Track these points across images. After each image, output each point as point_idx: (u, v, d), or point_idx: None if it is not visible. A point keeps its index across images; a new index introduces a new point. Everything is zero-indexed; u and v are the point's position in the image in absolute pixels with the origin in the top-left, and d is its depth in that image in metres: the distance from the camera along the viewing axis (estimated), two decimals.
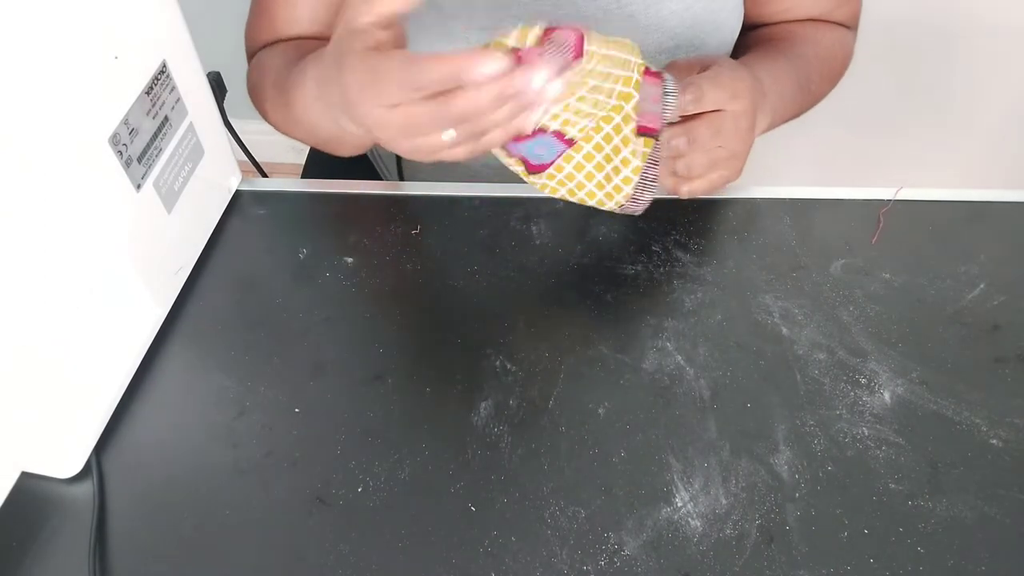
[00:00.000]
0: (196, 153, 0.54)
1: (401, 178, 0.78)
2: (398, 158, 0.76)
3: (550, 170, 0.53)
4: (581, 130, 0.50)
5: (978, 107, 1.36)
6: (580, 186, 0.53)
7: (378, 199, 0.62)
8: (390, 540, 0.42)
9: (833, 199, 0.62)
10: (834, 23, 0.69)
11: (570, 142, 0.51)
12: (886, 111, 1.38)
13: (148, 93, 0.46)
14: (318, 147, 0.61)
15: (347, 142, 0.58)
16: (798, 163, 1.47)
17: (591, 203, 0.55)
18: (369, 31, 0.42)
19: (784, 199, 0.62)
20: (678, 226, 0.60)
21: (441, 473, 0.45)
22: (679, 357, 0.51)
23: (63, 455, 0.44)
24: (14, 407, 0.41)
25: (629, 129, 0.51)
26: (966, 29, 1.25)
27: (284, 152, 1.52)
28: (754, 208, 0.62)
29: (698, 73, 0.53)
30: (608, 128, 0.51)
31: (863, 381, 0.50)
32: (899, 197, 0.62)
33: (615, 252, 0.58)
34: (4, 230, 0.37)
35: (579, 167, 0.52)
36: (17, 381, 0.40)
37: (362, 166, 0.84)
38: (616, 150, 0.51)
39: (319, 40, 0.63)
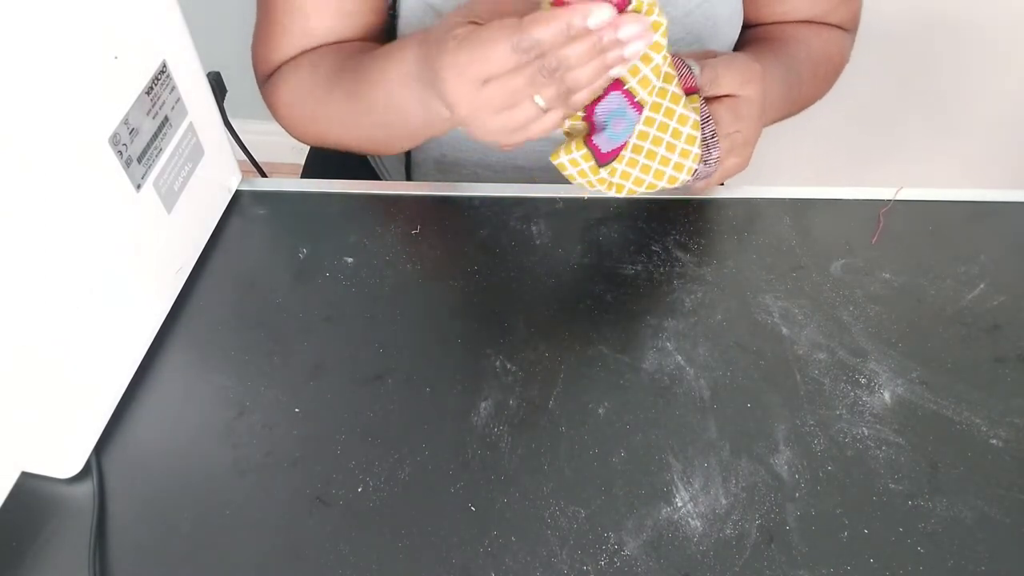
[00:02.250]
0: (196, 153, 0.54)
1: (409, 179, 0.78)
2: (407, 161, 0.76)
3: (622, 153, 0.50)
4: (649, 91, 0.48)
5: (978, 107, 1.36)
6: (646, 167, 0.51)
7: (378, 199, 0.62)
8: (390, 540, 0.43)
9: (833, 199, 0.62)
10: (830, 25, 0.69)
11: (639, 106, 0.49)
12: (886, 111, 1.38)
13: (148, 93, 0.46)
14: (378, 146, 0.61)
15: (423, 132, 0.57)
16: (798, 163, 1.47)
17: (662, 183, 0.52)
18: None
19: (784, 199, 0.62)
20: (678, 226, 0.60)
21: (441, 473, 0.45)
22: (679, 357, 0.51)
23: (63, 455, 0.44)
24: (14, 407, 0.41)
25: (675, 85, 0.49)
26: (966, 29, 1.25)
27: (284, 152, 1.52)
28: (754, 208, 0.62)
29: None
30: (658, 85, 0.48)
31: (863, 381, 0.50)
32: (899, 197, 0.62)
33: (615, 252, 0.58)
34: (4, 230, 0.37)
35: (643, 136, 0.49)
36: (17, 381, 0.40)
37: (362, 166, 0.84)
38: (670, 112, 0.49)
39: (354, 42, 0.63)
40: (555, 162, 0.52)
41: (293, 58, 0.63)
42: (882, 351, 0.52)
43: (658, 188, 0.52)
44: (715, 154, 0.52)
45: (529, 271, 0.56)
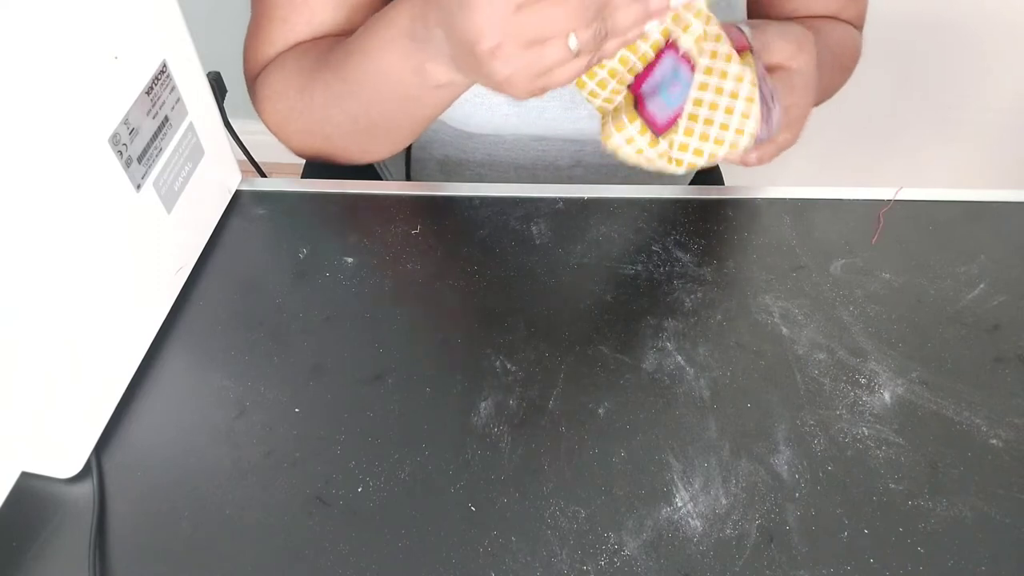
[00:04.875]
0: (196, 153, 0.54)
1: (408, 179, 0.78)
2: (407, 159, 0.76)
3: (679, 121, 0.47)
4: (699, 50, 0.45)
5: (978, 107, 1.36)
6: (705, 135, 0.47)
7: (378, 199, 0.62)
8: (390, 540, 0.43)
9: (833, 199, 0.62)
10: (842, 21, 0.69)
11: (688, 60, 0.45)
12: (886, 111, 1.38)
13: (148, 93, 0.46)
14: (359, 141, 0.58)
15: (411, 109, 0.54)
16: (798, 163, 1.47)
17: (723, 150, 0.47)
18: None
19: (784, 199, 0.62)
20: (678, 226, 0.60)
21: (441, 473, 0.45)
22: (679, 357, 0.51)
23: (63, 455, 0.44)
24: (14, 407, 0.41)
25: (724, 44, 0.46)
26: (966, 29, 1.25)
27: (284, 152, 1.52)
28: (754, 208, 0.62)
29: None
30: (709, 47, 0.46)
31: (863, 381, 0.50)
32: (899, 197, 0.62)
33: (615, 252, 0.58)
34: (3, 230, 0.37)
35: (698, 103, 0.46)
36: (17, 381, 0.40)
37: (362, 166, 0.84)
38: (723, 73, 0.46)
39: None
40: (609, 144, 0.48)
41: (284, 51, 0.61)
42: (882, 351, 0.52)
43: (719, 157, 0.48)
44: (776, 113, 0.48)
45: (529, 271, 0.56)
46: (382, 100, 0.54)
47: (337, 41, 0.57)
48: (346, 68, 0.54)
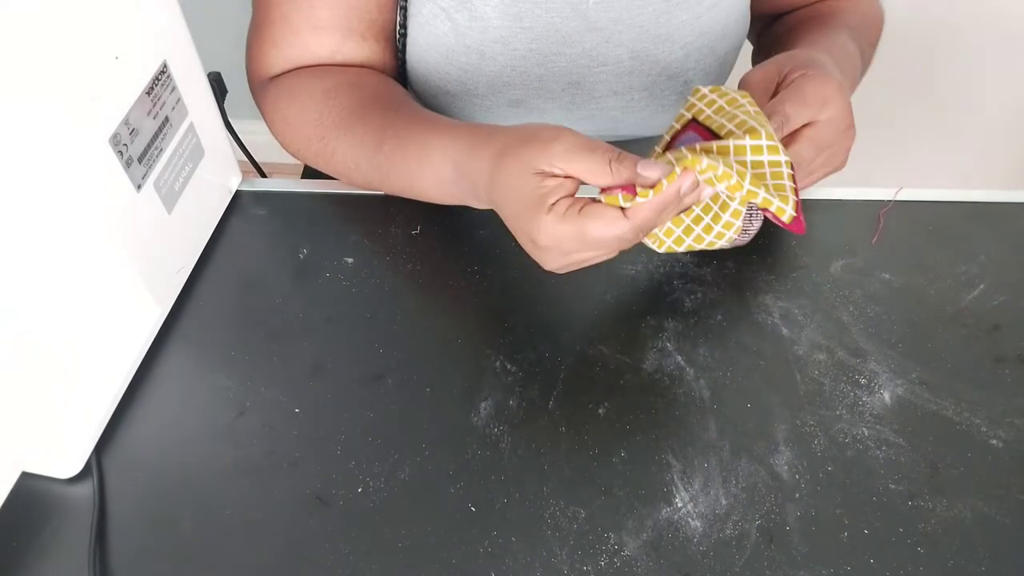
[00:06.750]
0: (196, 153, 0.54)
1: None
2: None
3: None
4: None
5: (978, 107, 1.36)
6: (689, 229, 0.51)
7: (378, 199, 0.62)
8: (390, 540, 0.43)
9: (833, 199, 0.62)
10: None
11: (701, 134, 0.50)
12: (886, 111, 1.38)
13: (149, 93, 0.47)
14: (380, 190, 0.61)
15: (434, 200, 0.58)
16: None
17: (699, 247, 0.52)
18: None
19: None
20: None
21: (441, 473, 0.45)
22: (679, 357, 0.51)
23: (63, 455, 0.44)
24: (14, 407, 0.41)
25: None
26: (966, 29, 1.25)
27: (284, 152, 1.51)
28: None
29: (776, 83, 0.52)
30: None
31: (863, 381, 0.50)
32: (899, 197, 0.62)
33: None
34: (4, 230, 0.37)
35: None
36: (17, 381, 0.40)
37: None
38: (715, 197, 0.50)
39: (369, 76, 0.62)
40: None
41: (298, 70, 0.61)
42: (882, 351, 0.52)
43: (686, 248, 0.53)
44: (756, 225, 0.52)
45: (529, 271, 0.56)
46: (424, 196, 0.58)
47: (364, 104, 0.58)
48: (378, 163, 0.57)
